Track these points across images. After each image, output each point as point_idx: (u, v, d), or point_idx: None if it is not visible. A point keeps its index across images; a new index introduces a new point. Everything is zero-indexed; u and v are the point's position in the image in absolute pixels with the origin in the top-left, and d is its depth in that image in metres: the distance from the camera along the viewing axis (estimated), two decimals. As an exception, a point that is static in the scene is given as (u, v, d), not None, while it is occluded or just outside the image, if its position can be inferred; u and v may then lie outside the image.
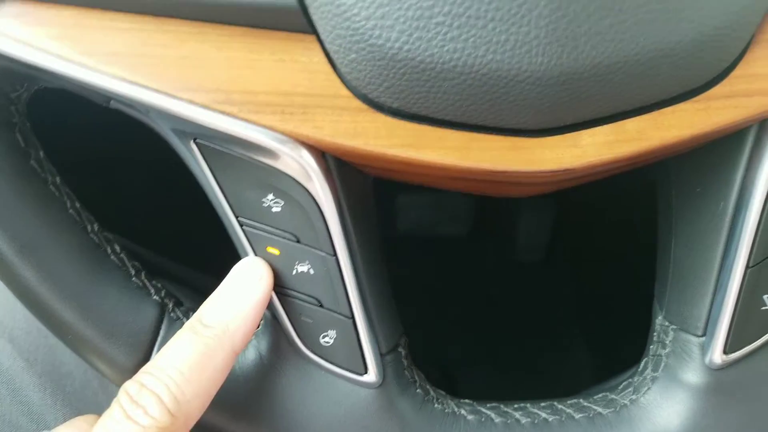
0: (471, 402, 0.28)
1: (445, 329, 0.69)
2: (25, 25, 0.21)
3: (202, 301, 0.25)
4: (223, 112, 0.21)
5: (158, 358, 0.23)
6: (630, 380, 0.28)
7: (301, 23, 0.21)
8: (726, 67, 0.22)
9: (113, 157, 0.46)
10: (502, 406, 0.28)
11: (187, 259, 0.45)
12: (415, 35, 0.20)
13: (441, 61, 0.20)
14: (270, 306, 0.26)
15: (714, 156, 0.25)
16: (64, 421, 0.34)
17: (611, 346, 0.67)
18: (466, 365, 0.71)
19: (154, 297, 0.26)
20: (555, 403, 0.28)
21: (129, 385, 0.22)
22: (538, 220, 0.84)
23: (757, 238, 0.24)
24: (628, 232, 0.72)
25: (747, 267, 0.24)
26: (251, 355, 0.26)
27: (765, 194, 0.23)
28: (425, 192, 0.80)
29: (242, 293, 0.24)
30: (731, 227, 0.24)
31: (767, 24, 0.22)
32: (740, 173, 0.24)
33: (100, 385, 0.36)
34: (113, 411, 0.22)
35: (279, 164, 0.23)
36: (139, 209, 0.48)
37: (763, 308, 0.25)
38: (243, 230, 0.24)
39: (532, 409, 0.28)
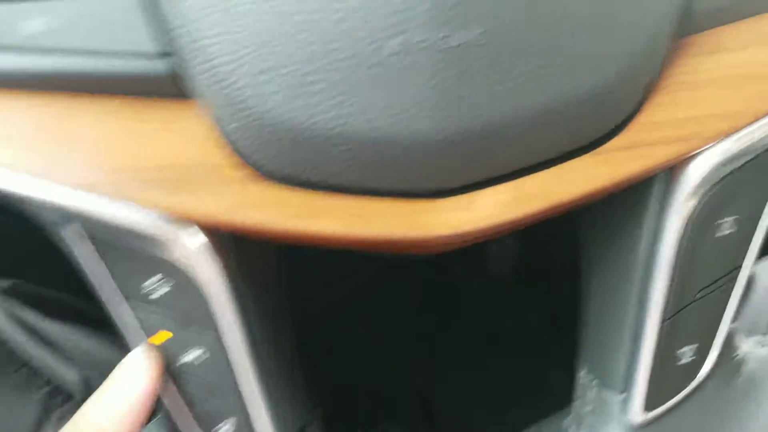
0: None
1: (416, 345, 0.68)
2: None
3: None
4: (100, 193, 0.20)
5: None
6: None
7: (176, 92, 0.20)
8: (624, 118, 0.20)
9: None
10: None
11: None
12: (298, 102, 0.19)
13: (327, 127, 0.19)
14: (166, 394, 0.24)
15: (622, 207, 0.24)
16: None
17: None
18: (438, 382, 0.70)
19: (35, 394, 0.24)
20: None
21: None
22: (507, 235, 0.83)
23: (672, 289, 0.22)
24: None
25: (662, 320, 0.23)
26: None
27: (676, 244, 0.22)
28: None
29: (121, 392, 0.22)
30: (644, 280, 0.23)
31: (668, 70, 0.20)
32: (650, 223, 0.23)
33: None
34: None
35: (160, 247, 0.21)
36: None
37: (679, 363, 0.24)
38: (130, 315, 0.23)
39: None
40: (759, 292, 0.36)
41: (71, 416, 0.24)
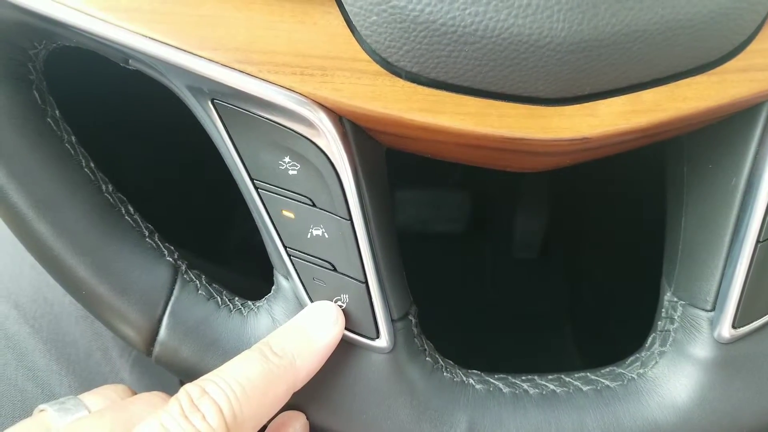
0: (479, 372, 0.28)
1: (437, 326, 0.70)
2: None
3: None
4: (242, 72, 0.22)
5: (223, 369, 0.23)
6: (637, 355, 0.29)
7: None
8: (742, 41, 0.22)
9: (126, 120, 0.46)
10: (510, 377, 0.28)
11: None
12: None
13: (462, 24, 0.20)
14: (284, 269, 0.26)
15: (727, 132, 0.25)
16: (70, 388, 0.33)
17: (604, 345, 0.68)
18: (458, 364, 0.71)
19: (167, 258, 0.26)
20: (563, 376, 0.28)
21: (191, 388, 0.22)
22: (533, 216, 0.84)
23: None
24: (621, 229, 0.73)
25: (757, 242, 0.24)
26: (264, 320, 0.26)
27: None
28: (423, 189, 0.80)
29: (315, 333, 0.24)
30: (742, 202, 0.25)
31: None
32: (753, 149, 0.24)
33: (104, 357, 0.36)
34: (171, 408, 0.21)
35: (297, 126, 0.23)
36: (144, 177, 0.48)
37: None
38: (258, 193, 0.24)
39: (540, 381, 0.28)
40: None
41: (195, 275, 0.26)
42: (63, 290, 0.37)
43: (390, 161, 0.27)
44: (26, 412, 0.25)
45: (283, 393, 0.23)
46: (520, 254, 0.87)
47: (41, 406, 0.24)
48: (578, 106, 0.22)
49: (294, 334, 0.24)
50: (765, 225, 0.24)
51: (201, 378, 0.22)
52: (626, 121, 0.22)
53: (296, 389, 0.24)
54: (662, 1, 0.20)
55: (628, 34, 0.20)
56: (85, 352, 0.36)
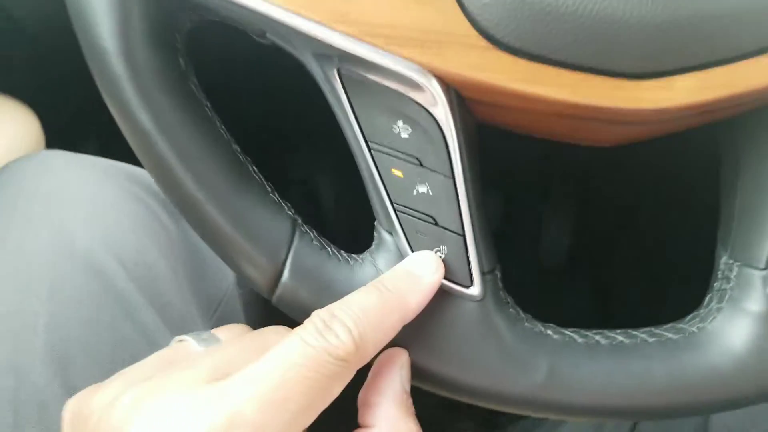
0: (554, 325, 0.31)
1: None
2: None
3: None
4: (370, 43, 0.25)
5: (347, 299, 0.26)
6: (696, 312, 0.32)
7: None
8: None
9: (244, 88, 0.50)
10: (582, 330, 0.31)
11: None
12: None
13: (564, 4, 0.24)
14: (388, 224, 0.29)
15: None
16: (166, 341, 0.37)
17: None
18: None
19: (288, 212, 0.30)
20: (629, 330, 0.31)
21: (321, 312, 0.25)
22: (560, 224, 0.87)
23: None
24: (650, 236, 0.76)
25: None
26: (369, 269, 0.30)
27: None
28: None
29: (421, 275, 0.28)
30: None
31: None
32: None
33: (199, 315, 0.39)
34: (308, 326, 0.24)
35: (412, 93, 0.26)
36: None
37: None
38: (371, 153, 0.28)
39: (609, 333, 0.31)
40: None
41: (309, 228, 0.30)
42: (159, 254, 0.41)
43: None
44: (136, 359, 0.28)
45: (397, 322, 0.26)
46: (547, 261, 0.90)
47: (179, 337, 0.28)
48: (657, 80, 0.26)
49: (403, 274, 0.28)
50: None
51: (328, 306, 0.26)
52: (699, 95, 0.26)
53: (406, 321, 0.27)
54: None
55: (700, 18, 0.24)
56: (179, 314, 0.39)
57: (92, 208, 0.40)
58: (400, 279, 0.27)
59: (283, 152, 0.84)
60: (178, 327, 0.39)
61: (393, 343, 0.28)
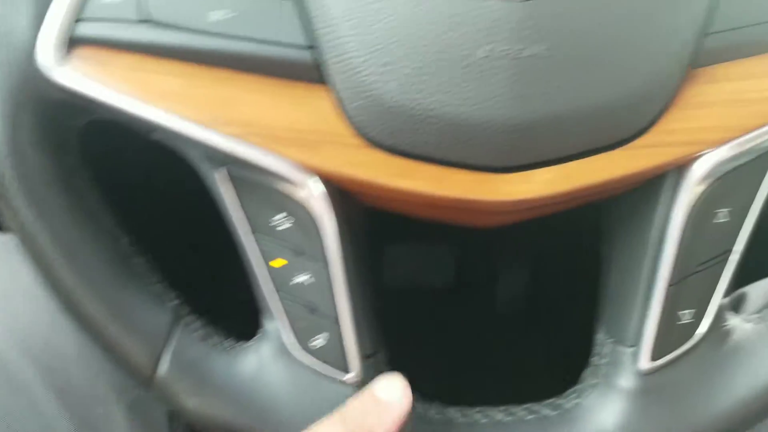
0: (438, 405, 0.32)
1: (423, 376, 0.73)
2: (92, 66, 0.27)
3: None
4: (249, 143, 0.27)
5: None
6: (575, 387, 0.33)
7: (316, 76, 0.26)
8: (648, 124, 0.27)
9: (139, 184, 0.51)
10: (463, 409, 0.32)
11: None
12: (409, 88, 0.26)
13: (428, 108, 0.26)
14: (271, 312, 0.30)
15: (641, 196, 0.30)
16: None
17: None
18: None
19: (170, 303, 0.30)
20: (510, 407, 0.32)
21: None
22: (516, 274, 0.88)
23: (677, 261, 0.29)
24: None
25: (668, 286, 0.29)
26: (252, 358, 0.30)
27: (682, 226, 0.29)
28: (410, 246, 0.85)
29: (388, 406, 0.27)
30: (655, 253, 0.30)
31: (681, 92, 0.27)
32: (663, 209, 0.29)
33: (101, 401, 0.39)
34: None
35: (291, 188, 0.28)
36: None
37: (680, 323, 0.30)
38: (257, 244, 0.29)
39: (489, 412, 0.32)
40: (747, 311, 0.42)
41: (192, 319, 0.30)
42: (72, 340, 0.41)
43: (381, 218, 0.31)
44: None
45: None
46: (504, 310, 0.90)
47: None
48: (517, 174, 0.27)
49: (368, 406, 0.27)
50: (675, 271, 0.29)
51: None
52: (555, 187, 0.27)
53: None
54: (582, 95, 0.25)
55: (558, 118, 0.26)
56: (87, 397, 0.39)
57: None
58: (366, 412, 0.27)
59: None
60: (83, 411, 0.38)
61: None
